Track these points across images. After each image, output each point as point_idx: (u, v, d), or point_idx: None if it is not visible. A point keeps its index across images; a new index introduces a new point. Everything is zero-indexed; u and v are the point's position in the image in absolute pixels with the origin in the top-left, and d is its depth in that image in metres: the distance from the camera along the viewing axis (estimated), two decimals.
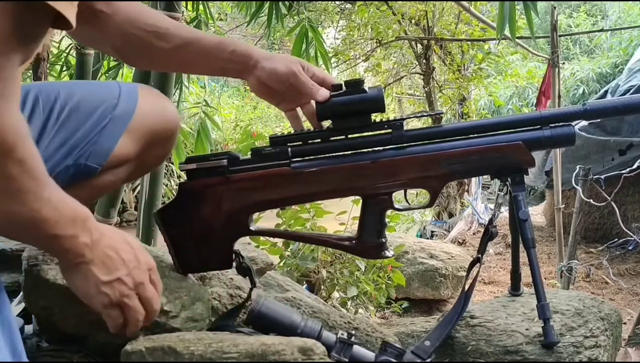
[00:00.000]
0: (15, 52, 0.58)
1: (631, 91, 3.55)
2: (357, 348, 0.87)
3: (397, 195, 0.97)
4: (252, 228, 0.98)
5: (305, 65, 0.95)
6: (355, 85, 0.92)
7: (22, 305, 0.96)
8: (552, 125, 0.95)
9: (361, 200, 0.98)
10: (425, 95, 5.62)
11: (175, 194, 0.94)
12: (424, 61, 5.38)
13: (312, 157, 0.94)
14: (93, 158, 0.89)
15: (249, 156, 0.95)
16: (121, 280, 0.70)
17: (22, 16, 0.56)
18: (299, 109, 1.00)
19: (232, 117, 9.01)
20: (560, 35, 3.54)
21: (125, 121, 0.91)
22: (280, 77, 0.92)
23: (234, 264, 0.97)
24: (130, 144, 0.92)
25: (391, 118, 0.96)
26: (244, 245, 1.25)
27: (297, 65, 0.93)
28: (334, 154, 0.94)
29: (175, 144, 1.03)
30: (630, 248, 3.51)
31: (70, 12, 0.58)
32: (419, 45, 5.41)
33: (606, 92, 3.93)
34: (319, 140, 0.95)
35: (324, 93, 0.92)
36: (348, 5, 5.40)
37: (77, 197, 0.87)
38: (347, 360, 0.85)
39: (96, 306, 0.70)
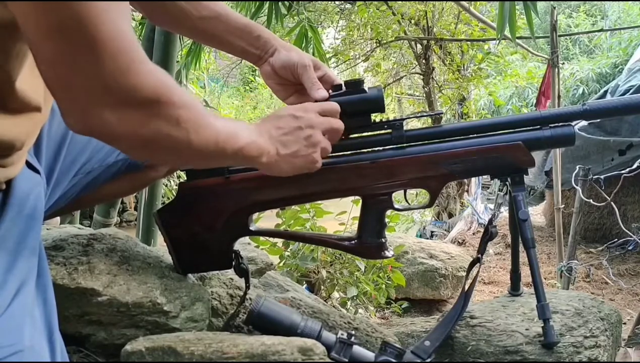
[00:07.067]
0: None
1: (631, 91, 3.54)
2: (357, 349, 0.87)
3: (397, 195, 0.97)
4: (252, 228, 0.98)
5: (318, 65, 0.95)
6: (355, 85, 0.92)
7: None
8: (552, 125, 0.95)
9: (361, 200, 0.98)
10: (425, 95, 5.61)
11: (175, 194, 0.94)
12: (424, 61, 5.38)
13: None
14: None
15: None
16: (308, 144, 0.82)
17: None
18: None
19: (232, 117, 9.01)
20: (560, 36, 3.54)
21: None
22: (290, 65, 0.93)
23: (233, 264, 0.97)
24: None
25: (391, 118, 0.96)
26: (244, 245, 1.26)
27: (309, 60, 0.94)
28: (333, 154, 0.94)
29: None
30: (630, 248, 3.52)
31: None
32: (419, 46, 5.40)
33: (606, 92, 3.93)
34: None
35: (322, 93, 0.92)
36: (348, 5, 5.39)
37: (123, 188, 1.01)
38: (347, 360, 0.85)
39: (303, 171, 0.85)
